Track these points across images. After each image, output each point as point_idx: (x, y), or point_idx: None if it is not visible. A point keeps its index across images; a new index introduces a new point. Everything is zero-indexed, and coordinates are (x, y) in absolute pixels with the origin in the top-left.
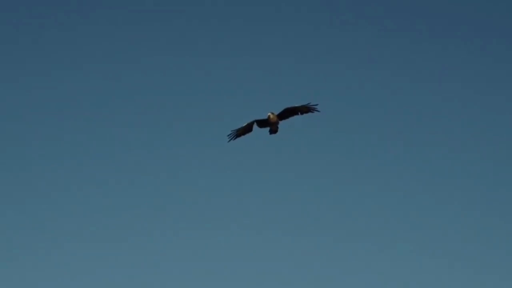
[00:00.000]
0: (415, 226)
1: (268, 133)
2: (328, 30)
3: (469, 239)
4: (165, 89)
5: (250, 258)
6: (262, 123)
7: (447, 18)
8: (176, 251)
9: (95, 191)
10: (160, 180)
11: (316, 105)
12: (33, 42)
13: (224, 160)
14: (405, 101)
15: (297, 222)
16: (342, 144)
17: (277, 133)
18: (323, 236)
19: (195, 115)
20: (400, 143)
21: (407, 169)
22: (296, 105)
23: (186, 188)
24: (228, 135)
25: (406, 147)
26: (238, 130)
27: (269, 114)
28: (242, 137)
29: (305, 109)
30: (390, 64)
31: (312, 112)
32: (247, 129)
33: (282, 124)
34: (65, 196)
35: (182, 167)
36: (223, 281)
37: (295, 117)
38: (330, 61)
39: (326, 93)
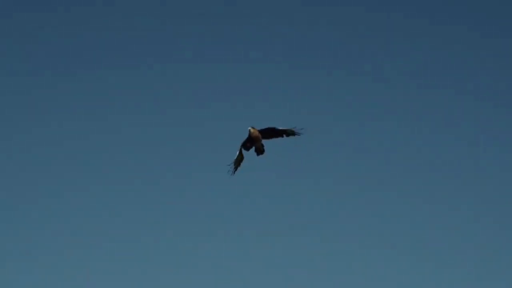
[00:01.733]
0: (414, 229)
1: (256, 155)
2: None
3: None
4: (166, 89)
5: (248, 261)
6: (246, 144)
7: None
8: (176, 254)
9: (95, 194)
10: (159, 182)
11: (302, 129)
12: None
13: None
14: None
15: (296, 226)
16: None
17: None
18: (320, 239)
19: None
20: (400, 145)
21: (407, 172)
22: (281, 128)
23: (187, 190)
24: (229, 171)
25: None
26: (234, 163)
27: (249, 128)
28: (240, 167)
29: (291, 133)
30: (388, 66)
31: (298, 135)
32: (240, 158)
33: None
34: (65, 196)
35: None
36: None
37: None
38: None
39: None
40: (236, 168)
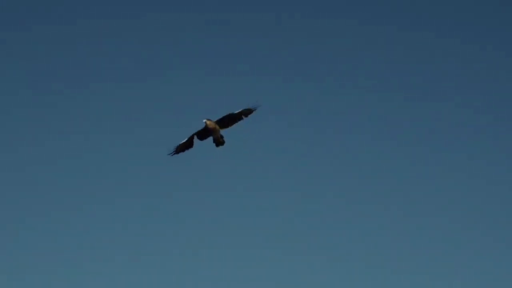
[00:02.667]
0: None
1: (215, 146)
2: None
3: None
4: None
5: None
6: (202, 134)
7: None
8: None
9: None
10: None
11: (257, 103)
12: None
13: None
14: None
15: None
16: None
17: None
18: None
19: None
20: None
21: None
22: (237, 111)
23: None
24: (170, 151)
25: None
26: (178, 146)
27: (205, 121)
28: (183, 152)
29: (248, 112)
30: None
31: (255, 110)
32: (188, 144)
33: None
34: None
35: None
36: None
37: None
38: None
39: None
40: (178, 151)
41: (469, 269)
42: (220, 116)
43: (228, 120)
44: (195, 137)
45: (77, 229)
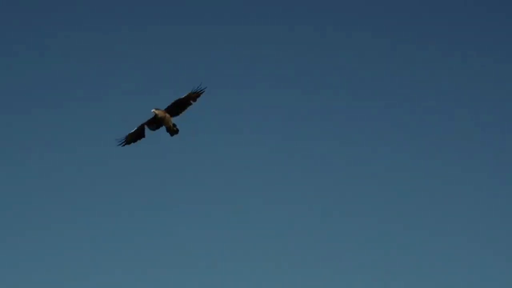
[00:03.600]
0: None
1: (169, 135)
2: None
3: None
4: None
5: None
6: (153, 123)
7: None
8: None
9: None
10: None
11: (201, 86)
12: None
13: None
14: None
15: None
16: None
17: (179, 133)
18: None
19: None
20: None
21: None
22: (182, 96)
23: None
24: (119, 140)
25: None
26: (127, 136)
27: (153, 110)
28: (135, 143)
29: (194, 95)
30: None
31: (201, 94)
32: (138, 134)
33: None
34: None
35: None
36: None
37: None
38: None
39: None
40: (128, 141)
41: (468, 270)
42: (168, 104)
43: (177, 107)
44: (146, 127)
45: (78, 229)
